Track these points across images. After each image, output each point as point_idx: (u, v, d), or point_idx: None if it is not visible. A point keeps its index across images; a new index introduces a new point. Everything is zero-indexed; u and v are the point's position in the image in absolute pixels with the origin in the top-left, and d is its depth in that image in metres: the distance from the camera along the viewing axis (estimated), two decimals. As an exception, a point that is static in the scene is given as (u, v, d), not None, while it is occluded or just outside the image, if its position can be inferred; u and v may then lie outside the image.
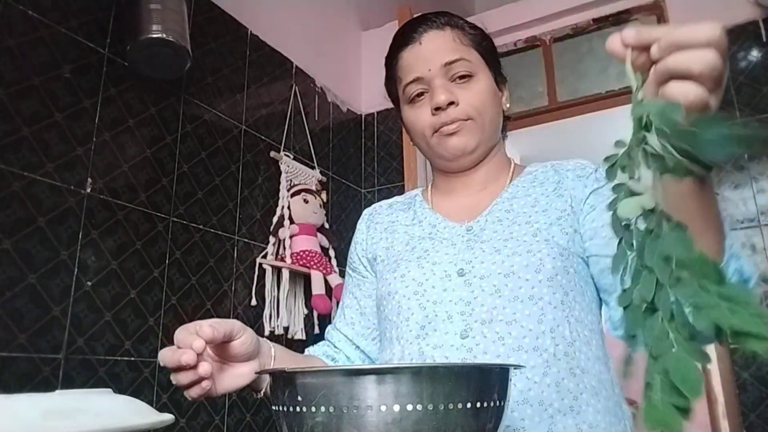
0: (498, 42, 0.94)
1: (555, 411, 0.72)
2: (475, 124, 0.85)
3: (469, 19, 0.92)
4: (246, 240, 1.90)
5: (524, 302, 0.76)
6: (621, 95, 2.45)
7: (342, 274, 1.85)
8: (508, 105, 0.93)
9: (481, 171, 0.91)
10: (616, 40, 0.45)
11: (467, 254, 0.82)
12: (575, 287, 0.79)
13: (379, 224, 0.98)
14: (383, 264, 0.92)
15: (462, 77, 0.85)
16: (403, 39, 0.88)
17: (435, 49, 0.85)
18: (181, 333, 0.65)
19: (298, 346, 2.02)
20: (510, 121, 0.96)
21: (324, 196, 2.20)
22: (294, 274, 2.00)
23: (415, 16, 0.93)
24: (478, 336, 0.76)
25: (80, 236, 1.37)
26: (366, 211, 1.03)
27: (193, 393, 0.65)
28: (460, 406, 0.45)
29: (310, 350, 0.96)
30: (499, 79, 0.91)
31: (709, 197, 0.52)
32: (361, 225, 1.01)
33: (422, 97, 0.87)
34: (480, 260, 0.80)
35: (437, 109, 0.84)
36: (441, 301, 0.80)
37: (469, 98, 0.84)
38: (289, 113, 2.17)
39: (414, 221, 0.93)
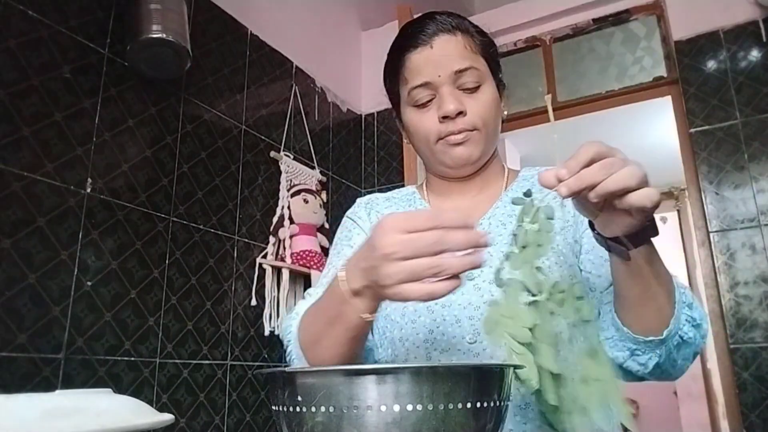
0: (498, 42, 0.93)
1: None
2: (480, 134, 0.84)
3: (472, 20, 0.90)
4: (246, 240, 1.90)
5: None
6: (621, 95, 2.45)
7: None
8: (506, 112, 0.92)
9: (478, 177, 0.91)
10: (550, 176, 0.57)
11: None
12: None
13: (380, 214, 0.94)
14: None
15: (470, 87, 0.83)
16: (413, 39, 0.85)
17: (446, 55, 0.82)
18: None
19: (298, 346, 2.02)
20: (506, 122, 0.95)
21: (324, 196, 2.20)
22: (294, 274, 2.00)
23: (418, 14, 0.90)
24: (486, 341, 0.77)
25: (80, 236, 1.37)
26: (361, 200, 0.99)
27: None
28: (460, 406, 0.45)
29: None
30: (501, 87, 0.90)
31: (647, 273, 0.65)
32: (360, 211, 0.96)
33: (429, 102, 0.85)
34: (488, 264, 0.79)
35: (445, 117, 0.82)
36: (450, 305, 0.79)
37: (477, 108, 0.83)
38: (289, 113, 2.17)
39: None
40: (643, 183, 0.56)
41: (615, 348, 0.75)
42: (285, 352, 0.80)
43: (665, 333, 0.68)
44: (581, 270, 0.81)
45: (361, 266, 0.59)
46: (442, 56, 0.83)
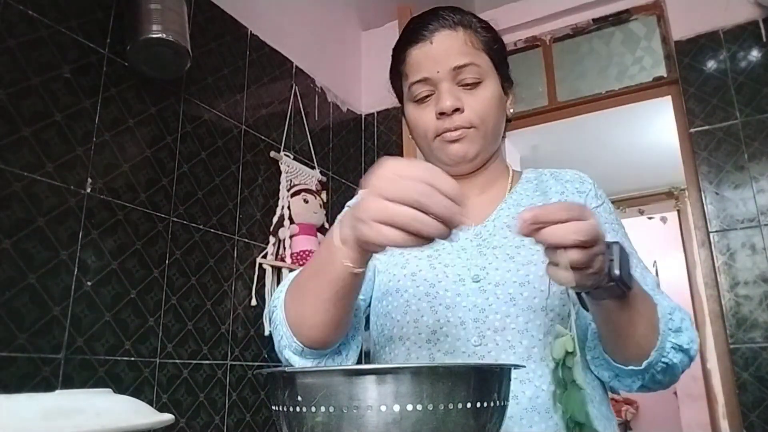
0: (498, 41, 0.92)
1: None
2: (477, 132, 0.83)
3: (482, 17, 0.89)
4: (246, 240, 1.90)
5: (536, 312, 0.76)
6: (621, 95, 2.45)
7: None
8: (512, 110, 0.91)
9: (480, 176, 0.90)
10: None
11: (480, 260, 0.81)
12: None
13: None
14: (386, 256, 0.88)
15: (469, 83, 0.82)
16: (414, 35, 0.85)
17: (446, 51, 0.82)
18: None
19: (298, 346, 2.02)
20: (510, 123, 0.95)
21: (324, 196, 2.20)
22: (294, 274, 2.00)
23: (423, 11, 0.90)
24: (491, 344, 0.76)
25: (80, 236, 1.37)
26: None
27: None
28: (460, 406, 0.45)
29: None
30: (506, 84, 0.89)
31: (618, 318, 0.67)
32: None
33: (428, 98, 0.84)
34: (494, 267, 0.79)
35: (442, 114, 0.82)
36: (454, 306, 0.78)
37: (474, 106, 0.82)
38: (289, 113, 2.17)
39: None
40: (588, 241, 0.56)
41: (601, 368, 0.76)
42: (272, 327, 0.77)
43: (645, 364, 0.69)
44: None
45: (353, 209, 0.57)
46: (441, 52, 0.82)
